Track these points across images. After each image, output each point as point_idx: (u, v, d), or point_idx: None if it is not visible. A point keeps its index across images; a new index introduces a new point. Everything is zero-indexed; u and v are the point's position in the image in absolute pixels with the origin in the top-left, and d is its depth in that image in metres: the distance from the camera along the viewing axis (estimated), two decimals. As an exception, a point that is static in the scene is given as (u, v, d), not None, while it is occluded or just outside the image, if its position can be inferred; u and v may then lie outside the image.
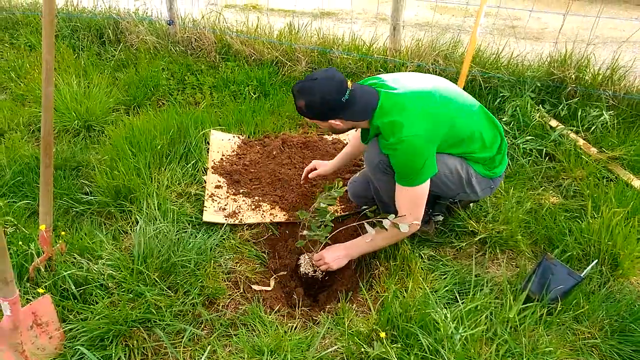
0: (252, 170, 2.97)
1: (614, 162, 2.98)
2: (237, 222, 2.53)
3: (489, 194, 2.39)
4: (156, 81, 3.88)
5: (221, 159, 3.04)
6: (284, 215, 2.61)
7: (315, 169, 2.71)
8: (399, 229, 2.05)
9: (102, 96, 3.52)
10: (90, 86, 3.65)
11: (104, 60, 4.23)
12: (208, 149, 3.09)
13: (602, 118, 3.24)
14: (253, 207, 2.65)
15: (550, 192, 2.85)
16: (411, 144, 1.96)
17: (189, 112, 3.43)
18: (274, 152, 3.13)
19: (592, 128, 3.26)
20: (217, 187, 2.78)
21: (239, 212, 2.60)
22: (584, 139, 3.20)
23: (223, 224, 2.48)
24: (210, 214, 2.54)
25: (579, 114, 3.31)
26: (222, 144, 3.18)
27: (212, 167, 2.93)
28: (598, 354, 1.87)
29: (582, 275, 2.00)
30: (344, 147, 2.78)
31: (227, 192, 2.75)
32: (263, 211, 2.63)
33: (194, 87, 4.03)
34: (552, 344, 1.80)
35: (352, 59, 3.97)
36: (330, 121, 2.10)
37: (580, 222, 2.44)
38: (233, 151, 3.15)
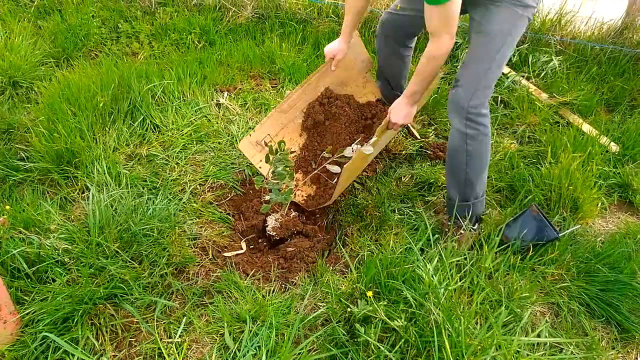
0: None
1: (564, 107, 3.06)
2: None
3: None
4: (86, 30, 3.49)
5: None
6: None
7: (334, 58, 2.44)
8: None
9: (26, 48, 3.12)
10: (11, 37, 3.22)
11: (22, 6, 3.73)
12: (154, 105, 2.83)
13: (551, 64, 3.31)
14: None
15: (507, 139, 2.89)
16: None
17: (128, 64, 3.14)
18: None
19: (542, 74, 3.32)
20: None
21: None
22: (535, 85, 3.25)
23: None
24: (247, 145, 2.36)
25: (530, 59, 3.36)
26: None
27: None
28: (567, 295, 1.96)
29: (559, 234, 2.02)
30: None
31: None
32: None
33: (130, 36, 3.67)
34: (526, 289, 1.86)
35: (301, 4, 3.75)
36: None
37: (539, 168, 2.50)
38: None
